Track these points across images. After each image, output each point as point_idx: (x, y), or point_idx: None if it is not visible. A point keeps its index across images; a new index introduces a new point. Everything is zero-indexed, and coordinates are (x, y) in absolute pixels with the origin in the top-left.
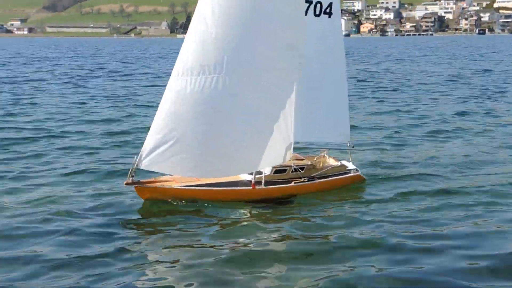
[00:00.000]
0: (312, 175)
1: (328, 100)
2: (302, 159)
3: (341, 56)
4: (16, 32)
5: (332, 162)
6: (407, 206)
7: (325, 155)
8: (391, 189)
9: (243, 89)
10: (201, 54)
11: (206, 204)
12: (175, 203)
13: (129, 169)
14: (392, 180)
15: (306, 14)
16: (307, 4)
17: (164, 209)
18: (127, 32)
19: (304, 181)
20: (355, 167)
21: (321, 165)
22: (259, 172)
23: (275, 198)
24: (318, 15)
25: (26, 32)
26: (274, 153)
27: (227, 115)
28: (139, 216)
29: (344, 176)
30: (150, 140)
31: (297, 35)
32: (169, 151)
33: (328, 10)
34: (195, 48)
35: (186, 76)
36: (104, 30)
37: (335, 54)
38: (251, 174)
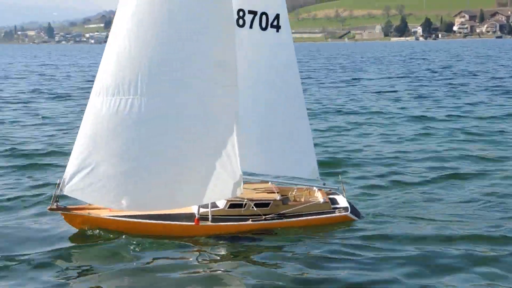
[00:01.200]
0: (282, 212)
1: (284, 129)
2: (274, 192)
3: (294, 77)
4: None
5: (318, 197)
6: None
7: (313, 188)
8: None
9: (163, 114)
10: (116, 72)
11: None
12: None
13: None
14: (392, 222)
15: (251, 27)
16: (251, 15)
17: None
18: (341, 37)
19: (265, 219)
20: (346, 205)
21: (302, 199)
22: (213, 205)
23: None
24: (265, 29)
25: None
26: (214, 187)
27: (144, 143)
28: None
29: (323, 216)
30: (71, 163)
31: (227, 51)
32: (88, 178)
33: (275, 23)
34: (111, 65)
35: (102, 96)
36: (319, 35)
37: (286, 75)
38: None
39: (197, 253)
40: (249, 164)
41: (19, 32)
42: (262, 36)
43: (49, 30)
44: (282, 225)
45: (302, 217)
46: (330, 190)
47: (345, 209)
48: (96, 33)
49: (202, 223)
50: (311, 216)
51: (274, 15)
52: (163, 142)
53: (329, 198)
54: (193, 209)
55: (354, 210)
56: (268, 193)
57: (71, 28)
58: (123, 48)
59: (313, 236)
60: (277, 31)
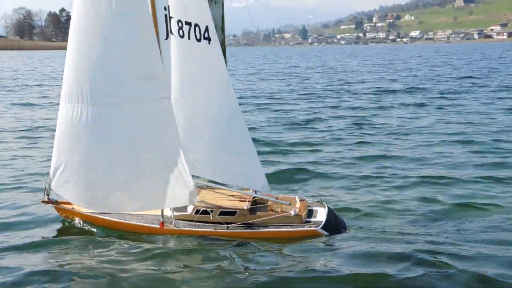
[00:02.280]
0: (248, 221)
1: (226, 141)
2: (244, 201)
3: (229, 89)
4: (495, 37)
5: (296, 208)
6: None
7: (296, 198)
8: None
9: (109, 123)
10: (67, 80)
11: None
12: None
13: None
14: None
15: (189, 38)
16: (188, 27)
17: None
18: None
19: (227, 228)
20: (321, 219)
21: (278, 210)
22: (183, 209)
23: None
24: (199, 40)
25: (505, 37)
26: (168, 194)
27: (101, 150)
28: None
29: (288, 229)
30: (52, 160)
31: (153, 63)
32: (62, 177)
33: (206, 35)
34: (66, 72)
35: (63, 101)
36: None
37: (221, 86)
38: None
39: (155, 256)
40: (202, 174)
41: (276, 35)
42: (199, 47)
43: (303, 32)
44: (243, 235)
45: (267, 228)
46: (316, 202)
47: (317, 223)
48: (347, 34)
49: (166, 226)
50: (277, 228)
51: (205, 27)
52: (116, 151)
53: (309, 210)
54: (168, 212)
55: (329, 225)
56: (240, 201)
57: (323, 30)
58: (69, 57)
59: (279, 249)
60: (209, 43)
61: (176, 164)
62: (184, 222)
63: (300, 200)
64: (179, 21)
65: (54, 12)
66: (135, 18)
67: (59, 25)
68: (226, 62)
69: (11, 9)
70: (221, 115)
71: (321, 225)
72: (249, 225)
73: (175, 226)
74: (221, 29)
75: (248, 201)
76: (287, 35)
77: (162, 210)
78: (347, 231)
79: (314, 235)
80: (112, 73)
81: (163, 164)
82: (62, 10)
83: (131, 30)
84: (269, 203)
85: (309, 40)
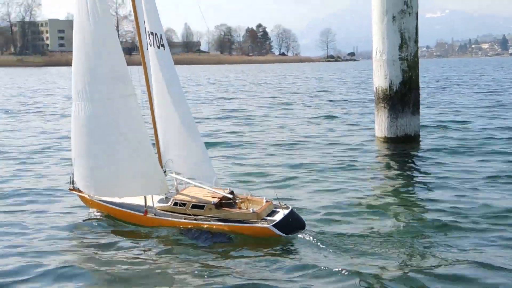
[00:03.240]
0: (213, 215)
1: (181, 138)
2: (222, 197)
3: (181, 89)
4: None
5: (254, 205)
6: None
7: (263, 199)
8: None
9: (98, 116)
10: (73, 80)
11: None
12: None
13: None
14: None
15: (153, 46)
16: (152, 36)
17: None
18: None
19: (195, 219)
20: (276, 219)
21: (245, 205)
22: (163, 202)
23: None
24: (159, 47)
25: None
26: (141, 184)
27: (94, 142)
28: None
29: (243, 225)
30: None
31: (120, 65)
32: (76, 169)
33: (162, 43)
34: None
35: (72, 100)
36: None
37: (177, 88)
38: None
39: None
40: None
41: (473, 46)
42: (160, 54)
43: (503, 42)
44: (205, 227)
45: (223, 222)
46: (283, 204)
47: (270, 222)
48: None
49: (149, 215)
50: (232, 223)
51: (160, 35)
52: (103, 143)
53: (272, 211)
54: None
55: (282, 225)
56: (212, 197)
57: None
58: (72, 58)
59: (237, 244)
60: (164, 49)
61: (148, 156)
62: (164, 212)
63: (266, 201)
64: (148, 31)
65: (252, 28)
66: (104, 28)
67: (256, 39)
68: (418, 75)
69: (213, 26)
70: (182, 115)
71: (273, 224)
72: (213, 218)
73: (155, 215)
74: (414, 40)
75: (218, 198)
76: (484, 46)
77: (145, 201)
78: (302, 232)
79: (266, 232)
80: (93, 74)
81: (136, 155)
82: (259, 25)
83: (103, 38)
84: (237, 201)
85: (510, 51)
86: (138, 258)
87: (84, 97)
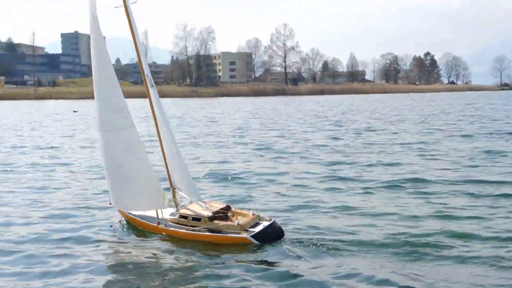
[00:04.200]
0: (207, 227)
1: (176, 159)
2: (216, 211)
3: (169, 122)
4: None
5: (245, 220)
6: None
7: (250, 213)
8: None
9: (108, 144)
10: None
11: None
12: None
13: None
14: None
15: (153, 86)
16: (148, 78)
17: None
18: None
19: (193, 230)
20: (256, 230)
21: (235, 218)
22: (172, 214)
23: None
24: (152, 86)
25: None
26: (145, 201)
27: (113, 164)
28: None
29: (226, 235)
30: None
31: (123, 103)
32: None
33: (153, 83)
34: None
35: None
36: None
37: (167, 121)
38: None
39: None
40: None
41: None
42: (154, 92)
43: None
44: (198, 237)
45: (211, 232)
46: (268, 217)
47: (250, 233)
48: None
49: (160, 225)
50: (218, 233)
51: (150, 76)
52: (113, 168)
53: (256, 223)
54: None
55: (260, 236)
56: (210, 211)
57: None
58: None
59: (214, 253)
60: (154, 88)
61: (148, 177)
62: (172, 223)
63: (252, 214)
64: (146, 75)
65: (419, 56)
66: (107, 68)
67: (423, 68)
68: None
69: (378, 55)
70: (173, 143)
71: (252, 235)
72: (207, 229)
73: (165, 226)
74: None
75: (213, 212)
76: None
77: (157, 213)
78: (277, 243)
79: (245, 241)
80: (104, 109)
81: (136, 179)
82: (427, 54)
83: (108, 77)
84: (229, 214)
85: None
86: (143, 257)
87: (99, 127)
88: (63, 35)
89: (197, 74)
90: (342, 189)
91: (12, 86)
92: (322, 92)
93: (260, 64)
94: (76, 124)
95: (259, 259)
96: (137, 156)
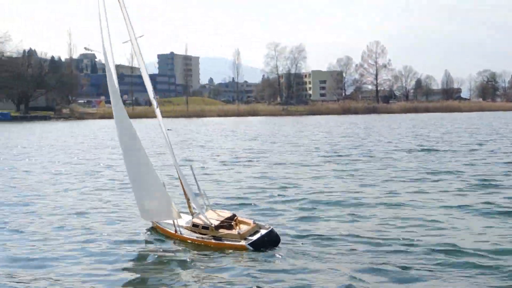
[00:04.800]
0: (213, 234)
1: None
2: (222, 220)
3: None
4: None
5: (244, 228)
6: None
7: (251, 222)
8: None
9: (126, 162)
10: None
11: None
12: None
13: None
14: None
15: (157, 107)
16: (154, 100)
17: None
18: None
19: (202, 238)
20: (253, 238)
21: (238, 226)
22: (188, 223)
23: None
24: (157, 107)
25: None
26: (156, 211)
27: (136, 180)
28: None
29: (229, 243)
30: None
31: (132, 128)
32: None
33: (156, 105)
34: None
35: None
36: None
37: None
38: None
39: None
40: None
41: None
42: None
43: None
44: (205, 243)
45: (213, 240)
46: (266, 225)
47: (248, 240)
48: None
49: (177, 233)
50: (219, 240)
51: (154, 100)
52: (132, 183)
53: (256, 231)
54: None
55: (256, 243)
56: (217, 220)
57: None
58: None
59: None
60: (157, 107)
61: (159, 191)
62: (186, 231)
63: (254, 223)
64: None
65: None
66: (119, 101)
67: None
68: None
69: (475, 72)
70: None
71: (249, 242)
72: (213, 237)
73: (180, 233)
74: None
75: (220, 220)
76: None
77: (174, 222)
78: (275, 248)
79: (243, 248)
80: (121, 134)
81: (148, 193)
82: None
83: (120, 106)
84: (232, 223)
85: None
86: (154, 256)
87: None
88: (159, 56)
89: (287, 92)
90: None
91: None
92: (415, 110)
93: (351, 82)
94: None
95: (256, 266)
96: (147, 174)
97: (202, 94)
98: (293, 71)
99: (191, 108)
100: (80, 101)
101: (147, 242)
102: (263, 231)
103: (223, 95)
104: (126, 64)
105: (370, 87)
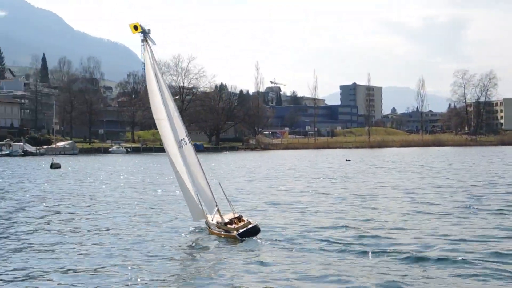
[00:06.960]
0: (225, 228)
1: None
2: (233, 218)
3: None
4: None
5: (240, 224)
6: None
7: (248, 220)
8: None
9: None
10: None
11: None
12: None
13: None
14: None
15: (186, 144)
16: (182, 141)
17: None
18: None
19: (218, 231)
20: (241, 230)
21: (238, 223)
22: (216, 221)
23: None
24: (186, 144)
25: None
26: (193, 210)
27: (182, 180)
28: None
29: (228, 233)
30: None
31: (178, 138)
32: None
33: (187, 142)
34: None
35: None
36: None
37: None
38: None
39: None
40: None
41: None
42: (188, 149)
43: None
44: (220, 235)
45: (225, 232)
46: (254, 221)
47: (237, 231)
48: None
49: (211, 228)
50: (225, 232)
51: (183, 138)
52: (182, 185)
53: (245, 225)
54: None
55: (243, 234)
56: (228, 219)
57: None
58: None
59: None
60: (186, 144)
61: (192, 195)
62: (216, 227)
63: (247, 221)
64: (181, 139)
65: None
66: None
67: None
68: None
69: None
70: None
71: (238, 233)
72: (223, 230)
73: (211, 228)
74: None
75: (230, 219)
76: None
77: (207, 222)
78: (256, 237)
79: (235, 237)
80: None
81: (189, 190)
82: None
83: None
84: (235, 221)
85: None
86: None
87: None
88: (342, 87)
89: (476, 121)
90: None
91: (295, 136)
92: None
93: None
94: (345, 170)
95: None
96: (185, 177)
97: (385, 124)
98: (482, 99)
99: (373, 138)
100: (265, 132)
101: (192, 235)
102: (249, 225)
103: (406, 125)
104: (310, 96)
105: None
